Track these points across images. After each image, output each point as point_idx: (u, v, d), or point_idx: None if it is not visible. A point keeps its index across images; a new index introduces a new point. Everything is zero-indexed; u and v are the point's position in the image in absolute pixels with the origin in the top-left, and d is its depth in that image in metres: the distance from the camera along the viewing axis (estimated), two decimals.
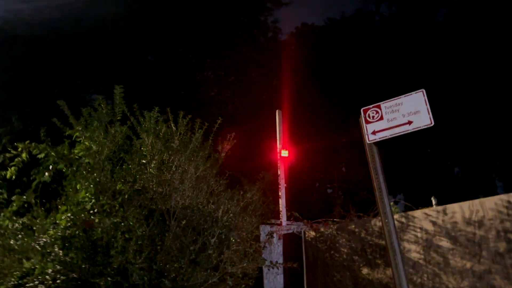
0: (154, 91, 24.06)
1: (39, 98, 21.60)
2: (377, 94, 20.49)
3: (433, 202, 8.81)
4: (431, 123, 4.20)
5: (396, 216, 6.03)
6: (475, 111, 20.61)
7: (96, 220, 5.60)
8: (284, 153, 8.71)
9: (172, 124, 7.20)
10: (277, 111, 9.34)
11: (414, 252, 5.92)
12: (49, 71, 22.58)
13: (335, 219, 8.35)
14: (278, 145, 8.83)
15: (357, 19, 28.13)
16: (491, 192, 22.46)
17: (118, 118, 6.45)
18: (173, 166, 6.53)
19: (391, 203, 8.00)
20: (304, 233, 7.65)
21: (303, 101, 20.51)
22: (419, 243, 5.89)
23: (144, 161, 6.63)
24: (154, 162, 6.63)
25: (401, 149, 21.49)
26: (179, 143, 6.90)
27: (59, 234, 5.61)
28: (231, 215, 6.25)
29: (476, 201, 5.45)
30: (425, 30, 24.49)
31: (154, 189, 6.17)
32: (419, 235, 5.92)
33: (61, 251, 5.54)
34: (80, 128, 6.11)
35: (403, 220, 6.17)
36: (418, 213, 6.07)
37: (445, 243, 5.62)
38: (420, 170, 23.06)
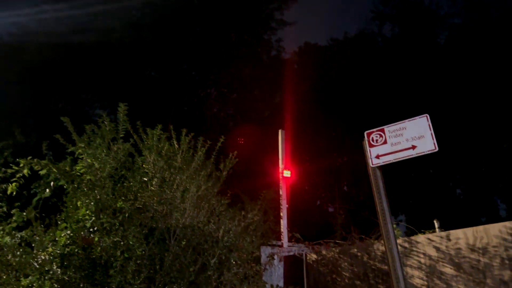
0: (157, 107, 24.16)
1: (43, 112, 21.71)
2: (379, 115, 20.56)
3: (436, 225, 8.72)
4: (435, 148, 4.18)
5: (399, 241, 5.96)
6: (478, 133, 20.61)
7: (96, 239, 5.55)
8: (286, 173, 8.67)
9: (174, 142, 7.21)
10: (280, 131, 9.34)
11: (417, 278, 5.83)
12: (53, 84, 22.74)
13: (336, 241, 8.25)
14: (281, 165, 8.80)
15: (359, 40, 28.41)
16: (494, 214, 22.25)
17: (121, 135, 6.45)
18: (175, 184, 6.50)
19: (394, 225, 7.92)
20: (306, 255, 7.56)
21: (305, 120, 20.56)
22: (422, 269, 5.81)
23: (145, 178, 6.60)
24: (155, 180, 6.60)
25: (403, 169, 21.43)
26: (181, 161, 6.89)
27: (58, 251, 5.55)
28: (231, 235, 6.18)
29: (480, 228, 5.39)
30: (426, 52, 24.70)
31: (155, 207, 6.13)
32: (422, 260, 5.85)
33: (59, 269, 5.46)
34: (83, 145, 6.11)
35: (406, 245, 6.10)
36: (421, 238, 6.00)
37: (448, 269, 5.54)
38: (422, 191, 22.94)
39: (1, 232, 5.98)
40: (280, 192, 8.45)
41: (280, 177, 8.64)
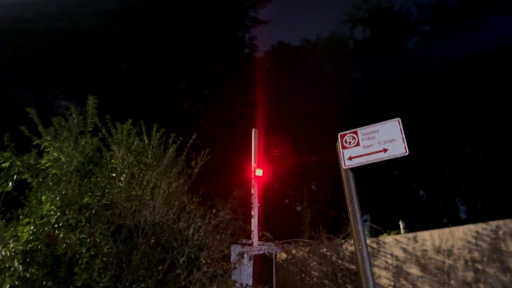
0: (126, 100, 23.63)
1: (4, 102, 20.78)
2: (349, 116, 20.92)
3: (401, 226, 8.95)
4: (406, 152, 4.28)
5: (367, 241, 6.08)
6: (442, 136, 21.32)
7: (61, 235, 5.35)
8: (259, 172, 8.66)
9: (145, 137, 7.05)
10: (253, 130, 9.32)
11: (385, 278, 5.97)
12: (16, 73, 21.84)
13: (305, 240, 8.33)
14: (253, 164, 8.79)
15: (331, 41, 28.80)
16: (454, 216, 23.17)
17: (90, 129, 6.25)
18: (144, 181, 6.36)
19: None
20: (275, 254, 7.60)
21: (276, 119, 20.65)
22: (389, 269, 5.95)
23: (114, 174, 6.42)
24: (124, 176, 6.43)
25: (368, 169, 21.91)
26: (152, 157, 6.75)
27: (20, 247, 5.32)
28: (202, 234, 6.12)
29: (446, 230, 5.58)
30: (396, 55, 25.36)
31: (123, 204, 5.98)
32: (389, 261, 5.99)
33: (21, 266, 5.25)
34: (49, 138, 5.87)
35: (374, 245, 6.23)
36: (389, 239, 6.14)
37: (414, 270, 5.70)
38: (387, 191, 23.57)
39: None
40: (252, 191, 8.45)
41: (252, 175, 8.64)
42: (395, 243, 6.11)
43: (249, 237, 7.97)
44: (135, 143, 6.90)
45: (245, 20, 27.73)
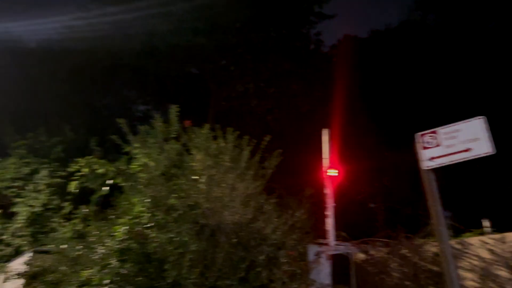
0: (197, 102, 24.66)
1: (89, 109, 22.68)
2: (427, 110, 19.87)
3: (486, 225, 8.47)
4: (492, 151, 4.10)
5: (451, 243, 5.88)
6: None
7: (152, 234, 5.82)
8: (332, 172, 8.65)
9: (220, 140, 7.38)
10: (324, 130, 9.34)
11: (470, 280, 5.74)
12: (98, 83, 23.69)
13: (383, 240, 8.16)
14: (326, 164, 8.82)
15: (402, 30, 27.51)
16: None
17: (172, 136, 6.70)
18: (223, 182, 6.67)
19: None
20: (353, 255, 7.58)
21: (347, 115, 20.23)
22: (475, 271, 5.71)
23: (195, 177, 6.83)
24: (204, 178, 6.81)
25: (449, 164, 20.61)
26: (229, 159, 7.05)
27: (117, 246, 5.87)
28: (279, 233, 6.30)
29: None
30: (477, 40, 23.35)
31: (206, 205, 6.34)
32: (475, 263, 5.74)
33: (117, 263, 5.79)
34: (138, 145, 6.40)
35: (459, 246, 6.00)
36: (474, 240, 5.88)
37: (503, 273, 5.42)
38: (471, 187, 22.05)
39: (64, 228, 6.43)
40: (326, 191, 8.48)
41: (325, 176, 8.66)
42: (481, 244, 5.85)
43: (325, 237, 8.02)
44: (213, 146, 7.27)
45: (310, 16, 27.53)
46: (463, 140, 4.19)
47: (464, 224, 9.85)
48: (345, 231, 9.32)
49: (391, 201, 20.85)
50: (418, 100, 21.67)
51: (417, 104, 21.40)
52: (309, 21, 27.58)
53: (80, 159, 6.73)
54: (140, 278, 5.67)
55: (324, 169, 8.90)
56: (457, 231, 11.31)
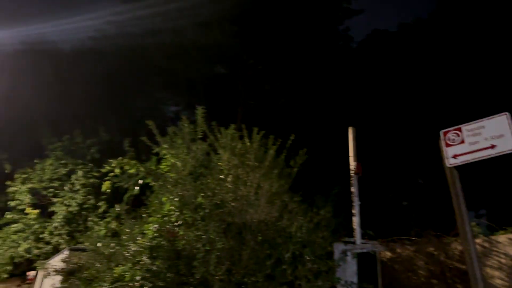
0: (226, 101, 24.98)
1: (122, 111, 23.38)
2: (456, 106, 19.28)
3: None
4: None
5: (479, 241, 5.78)
6: None
7: (180, 232, 6.03)
8: (358, 170, 8.61)
9: (246, 140, 7.52)
10: (349, 128, 9.31)
11: (498, 279, 5.61)
12: (130, 85, 24.36)
13: (411, 238, 8.06)
14: (351, 162, 8.80)
15: (432, 23, 26.74)
16: None
17: (199, 137, 6.89)
18: (248, 181, 6.81)
19: (473, 224, 7.62)
20: (379, 253, 7.55)
21: (376, 114, 19.92)
22: (503, 269, 5.58)
23: (221, 176, 7.00)
24: (230, 177, 6.97)
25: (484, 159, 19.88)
26: (254, 159, 7.18)
27: (147, 243, 6.12)
28: (304, 231, 6.36)
29: None
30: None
31: (232, 203, 6.49)
32: (503, 261, 5.61)
33: (148, 260, 6.03)
34: (166, 146, 6.63)
35: (486, 245, 5.88)
36: (502, 238, 5.75)
37: None
38: (507, 183, 21.22)
39: (98, 226, 6.75)
40: (352, 189, 8.47)
41: (351, 174, 8.64)
42: (509, 242, 5.71)
43: (351, 235, 8.02)
44: (238, 146, 7.42)
45: (338, 12, 27.28)
46: (487, 136, 4.13)
47: (500, 222, 9.56)
48: (374, 229, 9.26)
49: (425, 199, 20.40)
50: (450, 94, 21.04)
51: (450, 98, 20.78)
52: (337, 17, 27.35)
53: (112, 160, 7.02)
54: (170, 275, 5.87)
55: (350, 167, 8.89)
56: (491, 229, 11.00)
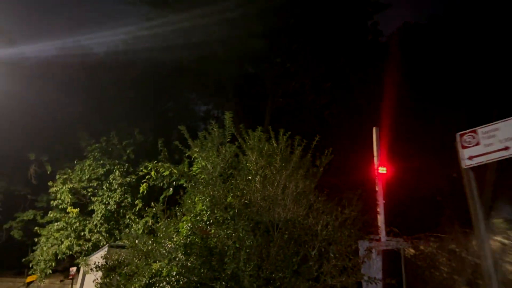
0: (255, 100, 25.32)
1: (156, 112, 24.18)
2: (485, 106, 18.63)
3: None
4: None
5: (498, 238, 5.87)
6: None
7: (212, 231, 6.43)
8: (382, 170, 8.76)
9: (273, 142, 7.83)
10: (374, 129, 9.45)
11: None
12: (162, 88, 25.12)
13: (437, 235, 8.14)
14: (376, 162, 8.94)
15: (464, 13, 25.92)
16: None
17: (228, 140, 7.27)
18: (275, 181, 7.12)
19: (500, 220, 7.60)
20: (404, 250, 7.69)
21: (403, 113, 19.58)
22: None
23: (249, 177, 7.35)
24: (258, 177, 7.32)
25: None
26: (280, 160, 7.49)
27: (182, 241, 6.56)
28: (330, 229, 6.62)
29: None
30: None
31: (260, 203, 6.83)
32: None
33: (183, 256, 6.46)
34: (197, 149, 7.04)
35: (506, 241, 5.94)
36: None
37: None
38: None
39: (136, 224, 7.25)
40: (377, 188, 8.63)
41: (376, 173, 8.80)
42: None
43: (376, 233, 8.20)
44: (266, 147, 7.75)
45: (367, 7, 26.98)
46: (502, 138, 4.26)
47: None
48: (401, 226, 9.37)
49: (458, 195, 19.93)
50: (483, 89, 20.43)
51: (482, 93, 20.18)
52: (366, 12, 27.05)
53: (148, 163, 7.50)
54: (203, 270, 6.28)
55: (375, 166, 9.05)
56: None
